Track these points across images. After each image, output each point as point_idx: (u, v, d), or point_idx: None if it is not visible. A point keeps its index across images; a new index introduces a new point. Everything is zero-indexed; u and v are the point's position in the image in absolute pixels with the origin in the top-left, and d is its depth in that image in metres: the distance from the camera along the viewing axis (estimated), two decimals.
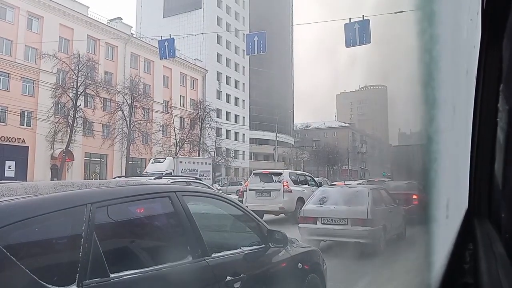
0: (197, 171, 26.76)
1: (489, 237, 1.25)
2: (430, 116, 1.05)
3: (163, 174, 21.50)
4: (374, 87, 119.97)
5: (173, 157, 28.05)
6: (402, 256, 7.03)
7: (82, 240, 1.97)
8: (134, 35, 45.84)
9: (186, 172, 25.02)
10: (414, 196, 9.11)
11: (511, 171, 1.08)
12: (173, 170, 24.87)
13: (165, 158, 28.04)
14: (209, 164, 30.45)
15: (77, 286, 1.87)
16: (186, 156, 35.46)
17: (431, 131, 1.06)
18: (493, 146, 1.30)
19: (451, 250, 1.26)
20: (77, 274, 1.89)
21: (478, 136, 1.46)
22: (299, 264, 3.63)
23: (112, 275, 2.04)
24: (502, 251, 1.03)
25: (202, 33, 51.03)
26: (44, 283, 1.76)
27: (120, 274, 2.09)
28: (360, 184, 15.07)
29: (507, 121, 1.04)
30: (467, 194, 1.57)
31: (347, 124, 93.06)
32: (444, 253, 1.24)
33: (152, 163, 27.23)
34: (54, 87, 31.67)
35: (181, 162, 26.83)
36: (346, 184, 11.59)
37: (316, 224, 8.19)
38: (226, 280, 2.68)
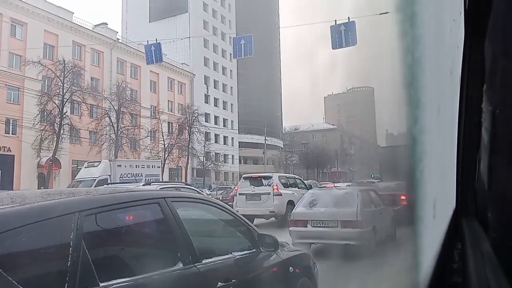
0: (141, 175, 23.98)
1: (477, 236, 1.26)
2: (414, 117, 1.06)
3: (96, 181, 19.96)
4: (361, 89, 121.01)
5: (110, 160, 24.66)
6: (392, 257, 7.07)
7: (70, 249, 1.94)
8: (120, 40, 45.53)
9: (126, 178, 22.50)
10: (403, 197, 9.17)
11: (496, 170, 1.10)
12: (109, 175, 22.08)
13: (100, 161, 24.51)
14: (158, 167, 27.49)
15: None
16: (126, 159, 31.27)
17: (416, 132, 1.07)
18: (479, 146, 1.32)
19: (439, 249, 1.28)
20: (66, 284, 1.86)
21: (463, 136, 1.48)
22: (290, 268, 3.63)
23: (101, 284, 2.02)
24: (489, 250, 1.05)
25: (189, 37, 50.92)
26: None
27: (110, 282, 2.07)
28: (349, 186, 15.16)
29: (491, 121, 1.06)
30: (455, 194, 1.59)
31: (335, 126, 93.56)
32: (432, 253, 1.25)
33: (85, 167, 23.88)
34: (39, 94, 31.28)
35: (119, 165, 23.62)
36: (335, 186, 11.64)
37: (307, 227, 8.20)
38: (218, 286, 2.67)
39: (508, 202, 0.96)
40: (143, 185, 12.75)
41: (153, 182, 15.12)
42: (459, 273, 1.22)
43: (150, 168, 25.77)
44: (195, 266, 2.58)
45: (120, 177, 21.95)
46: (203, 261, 2.67)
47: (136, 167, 24.77)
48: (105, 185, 20.05)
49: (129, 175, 23.02)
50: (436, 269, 1.16)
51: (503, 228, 1.01)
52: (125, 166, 23.97)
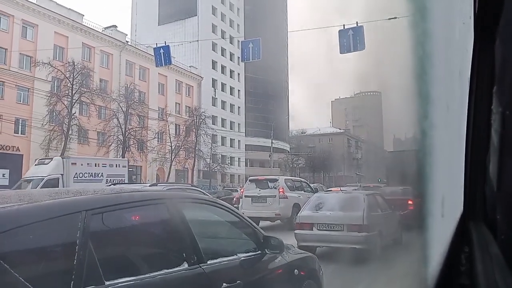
0: (101, 175, 21.41)
1: (485, 239, 1.25)
2: (424, 112, 1.06)
3: (44, 181, 18.10)
4: (369, 94, 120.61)
5: (63, 157, 21.68)
6: (398, 261, 7.02)
7: (76, 247, 1.95)
8: (129, 43, 45.91)
9: (83, 178, 20.16)
10: (410, 202, 9.12)
11: (506, 173, 1.09)
12: (61, 174, 19.60)
13: (52, 158, 21.60)
14: (124, 167, 23.86)
15: None
16: (84, 156, 27.57)
17: (425, 126, 1.07)
18: (487, 148, 1.31)
19: (446, 252, 1.27)
20: (72, 282, 1.87)
21: (472, 139, 1.47)
22: (296, 270, 3.61)
23: (107, 283, 2.02)
24: (497, 252, 1.04)
25: (197, 40, 51.18)
26: None
27: (115, 281, 2.07)
28: (355, 190, 15.09)
29: (500, 123, 1.05)
30: (462, 197, 1.57)
31: (342, 130, 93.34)
32: (440, 256, 1.24)
33: (35, 165, 21.12)
34: (49, 95, 31.63)
35: (74, 163, 20.64)
36: (341, 190, 11.60)
37: (312, 230, 8.17)
38: (222, 287, 2.66)
39: None
40: (149, 185, 12.79)
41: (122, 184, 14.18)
42: (467, 275, 1.21)
43: (113, 168, 22.98)
44: (200, 267, 2.58)
45: (74, 177, 19.81)
46: (208, 262, 2.67)
47: (95, 165, 21.90)
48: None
49: (86, 175, 20.58)
50: (443, 271, 1.15)
51: None
52: (82, 165, 21.17)
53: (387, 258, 7.51)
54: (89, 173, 20.91)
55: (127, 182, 21.80)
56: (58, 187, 17.55)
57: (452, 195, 1.56)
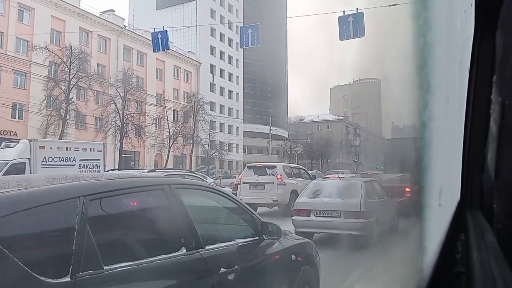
0: (74, 160, 19.63)
1: (481, 227, 1.26)
2: (424, 101, 1.06)
3: (8, 165, 16.73)
4: (368, 81, 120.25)
5: (30, 140, 19.42)
6: (395, 248, 7.10)
7: (75, 232, 1.96)
8: (126, 27, 45.41)
9: (53, 162, 18.60)
10: (407, 189, 9.17)
11: (503, 163, 1.09)
12: (28, 158, 18.05)
13: (19, 141, 19.66)
14: (99, 151, 21.86)
15: (70, 278, 1.86)
16: (54, 140, 25.58)
17: (424, 115, 1.07)
18: (486, 137, 1.32)
19: (443, 240, 1.28)
20: (71, 267, 1.88)
21: (470, 127, 1.47)
22: (293, 256, 3.65)
23: (105, 267, 2.04)
24: (493, 240, 1.05)
25: (196, 26, 50.74)
26: (38, 276, 1.76)
27: (114, 266, 2.08)
28: (352, 177, 15.16)
29: (499, 112, 1.05)
30: (460, 186, 1.58)
31: (340, 118, 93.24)
32: (436, 244, 1.25)
33: (0, 148, 19.37)
34: (46, 79, 31.45)
35: (42, 147, 18.75)
36: (339, 177, 11.65)
37: (310, 216, 8.22)
38: (220, 271, 2.69)
39: None
40: (147, 171, 12.82)
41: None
42: (463, 263, 1.23)
43: (87, 152, 20.98)
44: (198, 252, 2.60)
45: (43, 161, 18.34)
46: (206, 247, 2.69)
47: (67, 149, 19.99)
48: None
49: (56, 159, 18.87)
50: (440, 259, 1.16)
51: (509, 219, 1.01)
52: (51, 148, 19.30)
53: (383, 244, 7.58)
54: (59, 157, 19.17)
55: (103, 168, 20.61)
56: (24, 173, 16.34)
57: (450, 184, 1.57)
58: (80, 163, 19.94)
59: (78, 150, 20.53)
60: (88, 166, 19.97)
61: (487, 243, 1.06)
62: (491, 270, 0.87)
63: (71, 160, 19.63)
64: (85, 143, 22.95)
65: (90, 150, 21.31)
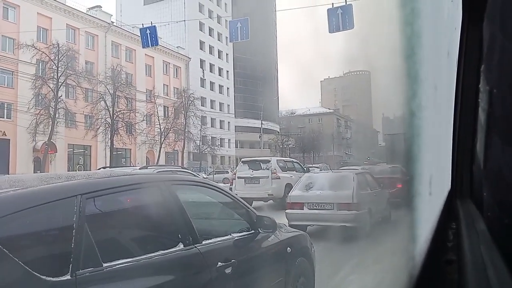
0: None
1: (471, 216, 1.29)
2: (413, 91, 1.08)
3: None
4: (358, 73, 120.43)
5: None
6: (388, 238, 7.18)
7: (73, 231, 1.98)
8: (114, 24, 44.90)
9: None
10: (398, 180, 9.25)
11: (492, 151, 1.11)
12: None
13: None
14: None
15: (70, 276, 1.88)
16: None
17: (413, 105, 1.09)
18: (475, 126, 1.34)
19: (434, 229, 1.31)
20: (70, 265, 1.90)
21: (460, 117, 1.50)
22: (288, 248, 3.69)
23: (104, 264, 2.06)
24: (484, 228, 1.07)
25: (184, 20, 50.27)
26: (38, 275, 1.77)
27: (113, 263, 2.11)
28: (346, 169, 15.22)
29: (488, 101, 1.07)
30: (450, 175, 1.62)
31: (331, 110, 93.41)
32: (427, 232, 1.29)
33: None
34: (34, 78, 31.00)
35: None
36: (332, 170, 11.71)
37: (303, 209, 8.28)
38: (217, 266, 2.72)
39: (504, 181, 0.98)
40: (139, 168, 12.77)
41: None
42: (454, 251, 1.26)
43: None
44: (196, 247, 2.63)
45: None
46: (203, 242, 2.72)
47: None
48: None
49: None
50: (431, 247, 1.19)
51: (499, 207, 1.04)
52: None
53: (376, 235, 7.66)
54: None
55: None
56: None
57: (440, 173, 1.60)
58: None
59: None
60: None
61: (477, 231, 1.09)
62: (481, 258, 0.89)
63: None
64: None
65: None
